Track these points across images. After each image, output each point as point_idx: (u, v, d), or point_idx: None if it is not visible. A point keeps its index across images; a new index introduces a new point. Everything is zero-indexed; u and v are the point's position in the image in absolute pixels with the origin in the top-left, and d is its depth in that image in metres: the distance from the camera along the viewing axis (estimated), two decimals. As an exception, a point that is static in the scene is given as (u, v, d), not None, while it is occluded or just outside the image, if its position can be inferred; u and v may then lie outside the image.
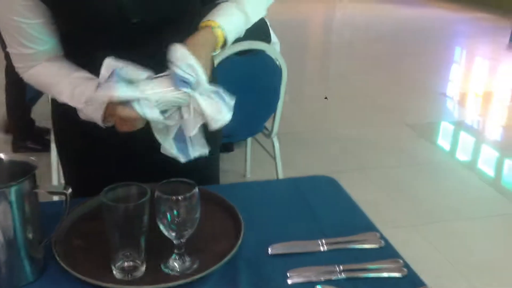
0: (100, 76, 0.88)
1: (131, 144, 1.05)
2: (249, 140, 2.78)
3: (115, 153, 1.12)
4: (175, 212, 0.85)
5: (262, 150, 2.76)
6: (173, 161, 1.03)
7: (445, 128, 3.83)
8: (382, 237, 0.98)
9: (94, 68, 0.99)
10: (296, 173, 2.90)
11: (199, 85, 0.90)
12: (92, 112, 0.92)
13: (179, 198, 0.84)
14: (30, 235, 0.83)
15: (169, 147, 0.96)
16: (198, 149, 0.98)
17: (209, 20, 0.99)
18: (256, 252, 0.93)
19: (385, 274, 0.88)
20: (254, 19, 1.08)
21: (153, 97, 0.87)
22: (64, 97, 0.98)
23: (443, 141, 3.61)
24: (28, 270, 0.85)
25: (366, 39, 6.35)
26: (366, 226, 1.02)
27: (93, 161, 1.15)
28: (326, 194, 1.15)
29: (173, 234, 0.87)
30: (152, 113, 0.87)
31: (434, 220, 2.59)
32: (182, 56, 0.88)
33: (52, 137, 2.27)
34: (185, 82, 0.88)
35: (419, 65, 5.23)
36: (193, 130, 0.93)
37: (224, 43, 1.01)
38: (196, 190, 0.86)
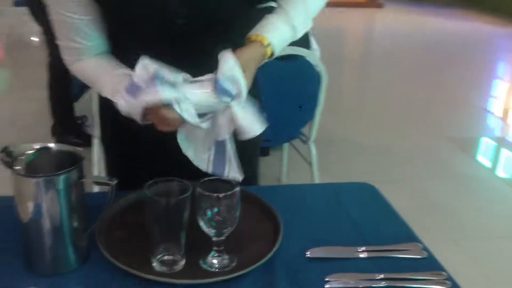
0: (137, 76, 0.88)
1: (173, 142, 1.06)
2: (285, 145, 2.77)
3: (157, 150, 1.13)
4: (215, 209, 0.85)
5: (298, 155, 2.75)
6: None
7: (486, 144, 3.73)
8: (424, 248, 0.95)
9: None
10: (332, 180, 2.87)
11: (239, 98, 0.91)
12: (132, 110, 0.94)
13: (220, 196, 0.84)
14: (75, 223, 0.85)
15: (193, 156, 0.99)
16: (234, 172, 0.99)
17: (259, 35, 0.99)
18: (294, 255, 0.93)
19: (427, 286, 0.86)
20: (301, 32, 1.06)
21: (193, 98, 0.89)
22: (106, 93, 1.00)
23: (484, 157, 3.51)
24: (72, 258, 0.86)
25: (406, 50, 6.26)
26: (408, 236, 1.00)
27: (135, 157, 1.17)
28: (366, 201, 1.14)
29: (213, 231, 0.87)
30: (191, 116, 0.89)
31: (472, 236, 2.51)
32: (230, 68, 0.90)
33: (96, 133, 2.32)
34: (226, 92, 0.90)
35: (460, 79, 5.11)
36: (225, 134, 0.95)
37: (270, 57, 1.02)
38: (238, 188, 0.86)
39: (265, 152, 3.02)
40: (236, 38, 0.99)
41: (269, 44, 0.99)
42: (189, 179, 0.89)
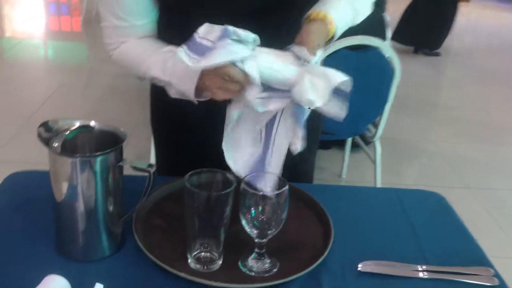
0: (201, 34, 0.79)
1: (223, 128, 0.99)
2: (349, 140, 2.64)
3: (206, 137, 1.07)
4: (260, 208, 0.77)
5: (361, 152, 2.61)
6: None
7: None
8: (496, 274, 0.83)
9: None
10: (396, 181, 2.73)
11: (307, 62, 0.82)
12: (184, 86, 0.87)
13: (267, 194, 0.76)
14: (110, 208, 0.80)
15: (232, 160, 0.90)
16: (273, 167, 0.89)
17: (322, 12, 0.90)
18: (343, 266, 0.83)
19: (496, 320, 0.74)
20: (361, 17, 1.00)
21: (263, 60, 0.80)
22: (154, 72, 0.93)
23: None
24: (105, 244, 0.82)
25: (487, 48, 5.86)
26: (478, 258, 0.87)
27: (184, 142, 1.11)
28: (432, 213, 1.01)
29: (255, 231, 0.79)
30: (255, 74, 0.79)
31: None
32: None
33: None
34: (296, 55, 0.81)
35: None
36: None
37: (331, 39, 0.93)
38: (286, 187, 0.78)
39: (326, 145, 2.90)
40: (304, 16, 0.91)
41: (331, 22, 0.89)
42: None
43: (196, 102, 0.89)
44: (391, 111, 2.21)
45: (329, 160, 2.85)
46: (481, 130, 3.61)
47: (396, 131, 3.29)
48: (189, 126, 1.07)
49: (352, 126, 2.27)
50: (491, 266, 0.85)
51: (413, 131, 3.49)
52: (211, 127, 0.98)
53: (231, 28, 0.78)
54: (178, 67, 0.90)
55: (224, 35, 0.78)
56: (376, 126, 2.27)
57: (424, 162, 3.09)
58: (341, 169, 2.77)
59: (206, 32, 0.80)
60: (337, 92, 0.82)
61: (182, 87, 0.89)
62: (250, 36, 0.79)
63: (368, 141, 2.43)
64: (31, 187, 0.97)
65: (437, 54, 5.20)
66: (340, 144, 2.79)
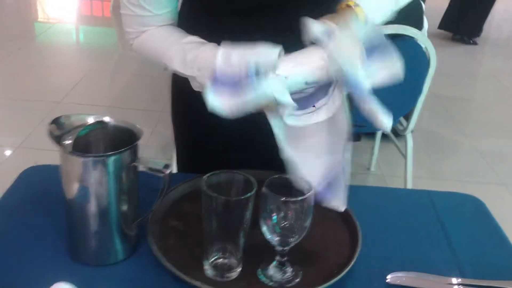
0: (221, 71, 0.76)
1: (248, 127, 0.94)
2: (379, 132, 2.56)
3: (227, 136, 1.02)
4: (282, 214, 0.72)
5: (391, 142, 2.52)
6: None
7: None
8: (541, 292, 0.76)
9: (219, 35, 0.89)
10: (427, 176, 2.63)
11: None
12: (206, 79, 0.83)
13: (290, 200, 0.71)
14: (124, 210, 0.76)
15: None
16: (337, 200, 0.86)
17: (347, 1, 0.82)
18: (371, 277, 0.78)
19: None
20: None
21: (292, 80, 0.75)
22: (175, 65, 0.88)
23: None
24: (118, 248, 0.78)
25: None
26: (520, 272, 0.80)
27: (202, 140, 1.07)
28: (469, 219, 0.94)
29: (277, 239, 0.74)
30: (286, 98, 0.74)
31: None
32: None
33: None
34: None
35: None
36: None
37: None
38: (311, 193, 0.72)
39: (356, 137, 2.82)
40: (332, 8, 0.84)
41: (355, 5, 0.82)
42: (260, 168, 0.79)
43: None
44: (424, 103, 2.12)
45: (357, 152, 2.77)
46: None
47: (429, 124, 3.17)
48: (211, 122, 1.02)
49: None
50: (535, 282, 0.78)
51: (446, 124, 3.36)
52: (234, 123, 0.93)
53: (252, 62, 0.73)
54: (199, 60, 0.85)
55: (248, 74, 0.73)
56: (407, 118, 2.19)
57: (458, 157, 2.97)
58: (369, 162, 2.69)
59: (224, 64, 0.75)
60: None
61: (204, 80, 0.84)
62: (272, 54, 0.73)
63: (398, 134, 2.35)
64: (47, 183, 0.94)
65: (475, 43, 5.02)
66: (369, 134, 2.72)
